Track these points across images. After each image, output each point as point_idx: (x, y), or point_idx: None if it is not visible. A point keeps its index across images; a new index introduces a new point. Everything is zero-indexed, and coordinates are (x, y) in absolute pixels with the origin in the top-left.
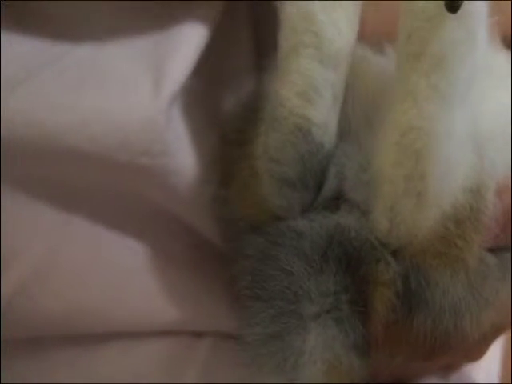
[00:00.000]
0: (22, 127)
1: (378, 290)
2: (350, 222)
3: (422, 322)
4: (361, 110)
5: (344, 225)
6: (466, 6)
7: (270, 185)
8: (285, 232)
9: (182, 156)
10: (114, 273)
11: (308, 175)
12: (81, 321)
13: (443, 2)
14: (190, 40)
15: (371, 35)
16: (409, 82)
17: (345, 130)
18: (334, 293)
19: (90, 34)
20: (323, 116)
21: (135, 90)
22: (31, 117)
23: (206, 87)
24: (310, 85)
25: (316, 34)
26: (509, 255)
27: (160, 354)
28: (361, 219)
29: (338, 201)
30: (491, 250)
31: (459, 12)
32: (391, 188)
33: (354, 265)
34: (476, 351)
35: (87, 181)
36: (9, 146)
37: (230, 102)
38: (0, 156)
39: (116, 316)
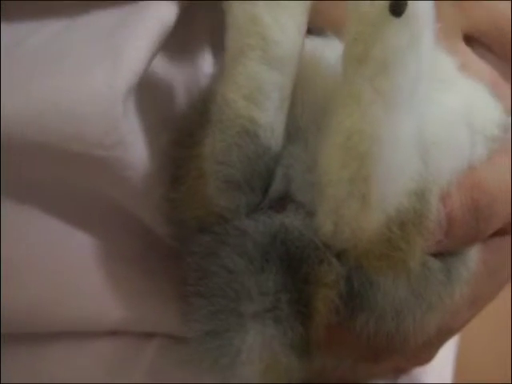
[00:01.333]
0: None
1: (321, 291)
2: (295, 222)
3: (364, 324)
4: (309, 112)
5: (288, 225)
6: (410, 9)
7: (217, 187)
8: (229, 231)
9: (137, 150)
10: (62, 269)
11: (254, 177)
12: (26, 319)
13: (387, 6)
14: (153, 19)
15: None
16: (353, 86)
17: (293, 132)
18: (274, 292)
19: (47, 19)
20: (270, 118)
21: (90, 79)
22: None
23: (161, 82)
24: (257, 87)
25: (262, 36)
26: (453, 260)
27: (107, 354)
28: (306, 220)
29: (284, 201)
30: (435, 255)
31: (403, 16)
32: (336, 190)
33: (295, 265)
34: (423, 354)
35: (40, 172)
36: None
37: (184, 101)
38: None
39: (63, 314)
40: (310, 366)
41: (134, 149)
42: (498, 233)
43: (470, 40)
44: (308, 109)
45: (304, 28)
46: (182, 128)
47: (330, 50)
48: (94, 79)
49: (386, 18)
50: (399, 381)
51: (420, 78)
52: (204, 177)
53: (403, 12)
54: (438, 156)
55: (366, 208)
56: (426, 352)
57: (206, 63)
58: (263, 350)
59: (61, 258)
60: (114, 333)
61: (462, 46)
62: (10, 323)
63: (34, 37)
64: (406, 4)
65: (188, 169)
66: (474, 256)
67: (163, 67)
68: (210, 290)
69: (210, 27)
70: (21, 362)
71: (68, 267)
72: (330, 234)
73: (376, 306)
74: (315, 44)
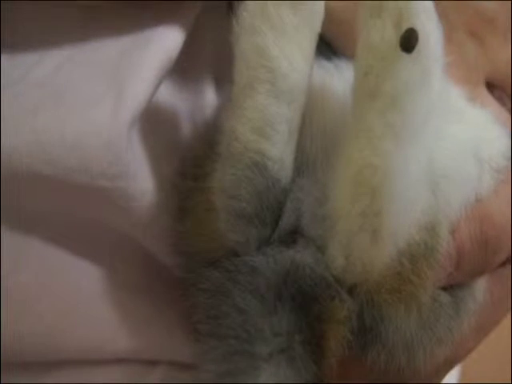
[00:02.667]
0: None
1: (333, 328)
2: (306, 258)
3: (375, 358)
4: (319, 144)
5: (299, 261)
6: (420, 45)
7: (227, 220)
8: (240, 268)
9: (141, 180)
10: (68, 298)
11: (265, 210)
12: (31, 348)
13: (398, 41)
14: (157, 50)
15: None
16: (364, 120)
17: (302, 165)
18: (287, 332)
19: (52, 50)
20: (279, 151)
21: (95, 110)
22: None
23: (165, 112)
24: (266, 120)
25: (270, 69)
26: (461, 292)
27: (113, 381)
28: (317, 254)
29: (294, 235)
30: (445, 289)
31: (414, 51)
32: (347, 225)
33: (308, 303)
34: (430, 382)
35: (46, 203)
36: None
37: (188, 131)
38: None
39: (68, 343)
40: None
41: (139, 179)
42: (503, 263)
43: (490, 85)
44: (317, 140)
45: (312, 58)
46: (188, 159)
47: (338, 79)
48: (98, 111)
49: (396, 53)
50: None
51: (430, 111)
52: (214, 210)
53: (414, 47)
54: (448, 189)
55: (377, 242)
56: (432, 380)
57: (210, 92)
58: None
59: (66, 287)
60: (119, 361)
61: (483, 91)
62: (15, 352)
63: (38, 69)
64: (416, 39)
65: (196, 201)
66: (480, 287)
67: (167, 96)
68: (222, 331)
69: (213, 57)
70: None
71: (74, 296)
72: (342, 269)
73: (387, 339)
74: (323, 72)
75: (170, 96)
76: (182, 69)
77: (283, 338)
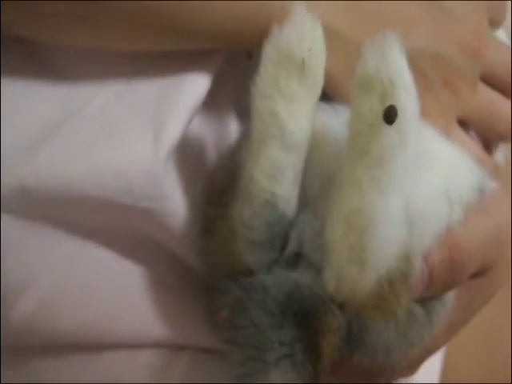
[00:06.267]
0: (48, 177)
1: (327, 337)
2: (306, 280)
3: (360, 359)
4: (318, 183)
5: (301, 283)
6: (400, 118)
7: (244, 245)
8: (255, 286)
9: (175, 201)
10: (115, 293)
11: (275, 238)
12: (84, 335)
13: (381, 115)
14: (189, 94)
15: None
16: (354, 173)
17: (305, 201)
18: (291, 342)
19: (102, 88)
20: (286, 192)
21: (138, 144)
22: (54, 169)
23: (195, 140)
24: (276, 168)
25: (280, 127)
26: (433, 303)
27: (146, 363)
28: (315, 276)
29: (298, 258)
30: (419, 301)
31: (395, 123)
32: (338, 256)
33: (307, 319)
34: (407, 371)
35: (97, 219)
36: (36, 191)
37: (213, 159)
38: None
39: (113, 331)
40: None
41: (173, 200)
42: (471, 276)
43: (465, 127)
44: (317, 180)
45: (313, 118)
46: (212, 187)
47: (336, 121)
48: (141, 147)
49: (380, 123)
50: None
51: (408, 165)
52: (233, 235)
53: (394, 120)
54: (422, 226)
55: (362, 270)
56: (410, 369)
57: (232, 125)
58: None
59: (114, 284)
60: (152, 346)
61: (456, 128)
62: (70, 338)
63: (91, 104)
64: (396, 114)
65: (220, 225)
66: (450, 298)
67: (196, 129)
68: (241, 340)
69: (235, 94)
70: (79, 367)
71: (119, 291)
72: (334, 290)
73: (370, 345)
74: (324, 115)
75: (198, 129)
76: (209, 105)
77: (288, 346)
